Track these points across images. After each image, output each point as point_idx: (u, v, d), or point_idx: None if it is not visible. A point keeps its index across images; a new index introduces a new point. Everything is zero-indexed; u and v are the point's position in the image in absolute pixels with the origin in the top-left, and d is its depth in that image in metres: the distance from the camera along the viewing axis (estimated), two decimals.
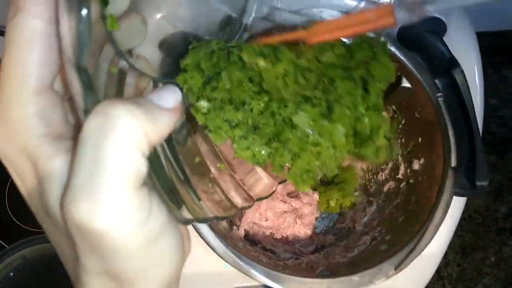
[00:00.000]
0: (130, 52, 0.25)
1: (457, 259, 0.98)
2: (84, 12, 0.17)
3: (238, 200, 0.29)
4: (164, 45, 0.27)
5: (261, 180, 0.31)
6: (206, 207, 0.26)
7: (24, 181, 0.21)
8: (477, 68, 0.62)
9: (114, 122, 0.18)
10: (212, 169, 0.28)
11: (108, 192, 0.17)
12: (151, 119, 0.19)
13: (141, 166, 0.18)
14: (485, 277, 0.97)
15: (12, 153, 0.20)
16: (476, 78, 0.62)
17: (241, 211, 0.30)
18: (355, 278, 0.43)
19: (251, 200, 0.30)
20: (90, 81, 0.18)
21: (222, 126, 0.25)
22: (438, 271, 0.99)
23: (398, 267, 0.43)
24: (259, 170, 0.31)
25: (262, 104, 0.25)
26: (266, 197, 0.31)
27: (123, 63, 0.23)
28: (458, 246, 0.98)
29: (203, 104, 0.25)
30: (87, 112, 0.18)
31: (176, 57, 0.27)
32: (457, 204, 0.58)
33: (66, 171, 0.19)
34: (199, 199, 0.26)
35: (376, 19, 0.29)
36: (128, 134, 0.18)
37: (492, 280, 0.97)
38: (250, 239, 0.61)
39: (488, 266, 0.98)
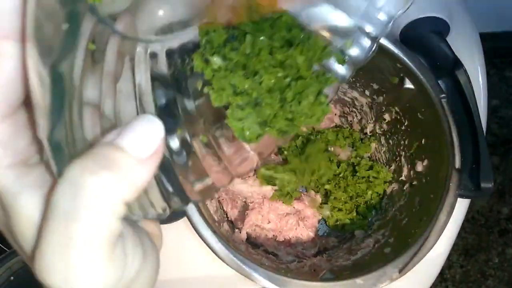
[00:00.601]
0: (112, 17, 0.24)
1: (460, 260, 0.97)
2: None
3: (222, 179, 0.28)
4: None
5: (248, 158, 0.30)
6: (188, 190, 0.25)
7: None
8: (480, 69, 0.62)
9: (85, 193, 0.16)
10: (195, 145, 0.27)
11: (82, 264, 0.17)
12: (127, 181, 0.17)
13: (117, 227, 0.17)
14: (488, 279, 0.96)
15: None
16: (480, 79, 0.62)
17: (218, 190, 0.29)
18: (359, 281, 0.42)
19: (231, 178, 0.29)
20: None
21: (226, 89, 0.24)
22: (441, 273, 0.98)
23: (402, 270, 0.43)
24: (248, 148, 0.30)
25: (273, 80, 0.24)
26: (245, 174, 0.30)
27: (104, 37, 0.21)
28: (461, 247, 0.98)
29: (217, 60, 0.24)
30: (58, 174, 0.17)
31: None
32: (461, 206, 0.58)
33: (33, 212, 0.18)
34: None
35: None
36: (101, 204, 0.17)
37: (495, 282, 0.96)
38: (252, 242, 0.61)
39: (492, 267, 0.97)
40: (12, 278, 0.77)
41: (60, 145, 0.17)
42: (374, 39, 0.24)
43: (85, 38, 0.19)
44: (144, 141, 0.18)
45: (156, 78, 0.26)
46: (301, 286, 0.42)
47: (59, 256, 0.17)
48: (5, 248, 0.76)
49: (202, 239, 0.43)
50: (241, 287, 0.56)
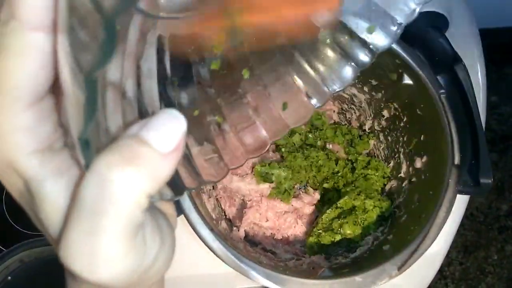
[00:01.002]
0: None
1: (460, 258, 0.97)
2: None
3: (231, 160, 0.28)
4: None
5: (260, 139, 0.30)
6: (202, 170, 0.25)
7: (16, 193, 0.20)
8: (480, 65, 0.62)
9: (112, 188, 0.17)
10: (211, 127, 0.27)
11: (107, 252, 0.18)
12: (151, 175, 0.18)
13: (139, 218, 0.18)
14: (488, 276, 0.96)
15: (1, 167, 0.19)
16: (479, 75, 0.61)
17: (229, 172, 0.29)
18: (358, 279, 0.42)
19: (243, 158, 0.29)
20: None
21: None
22: (440, 270, 0.98)
23: (401, 268, 0.42)
24: (258, 122, 0.30)
25: None
26: (257, 156, 0.31)
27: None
28: (460, 244, 0.98)
29: None
30: (86, 167, 0.18)
31: None
32: (460, 203, 0.57)
33: (58, 198, 0.19)
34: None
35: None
36: (126, 198, 0.17)
37: (495, 279, 0.96)
38: (251, 240, 0.60)
39: (491, 264, 0.97)
40: (9, 278, 0.77)
41: (88, 139, 0.18)
42: (400, 25, 0.24)
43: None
44: (168, 136, 0.19)
45: (174, 55, 0.26)
46: (299, 284, 0.42)
47: (85, 244, 0.18)
48: (2, 248, 0.75)
49: (200, 238, 0.43)
50: (240, 285, 0.56)
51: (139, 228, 0.19)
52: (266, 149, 0.29)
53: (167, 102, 0.25)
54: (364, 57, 0.27)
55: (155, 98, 0.24)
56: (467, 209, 1.00)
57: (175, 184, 0.23)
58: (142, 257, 0.19)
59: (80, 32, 0.16)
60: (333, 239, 0.54)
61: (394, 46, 0.48)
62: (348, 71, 0.29)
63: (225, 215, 0.62)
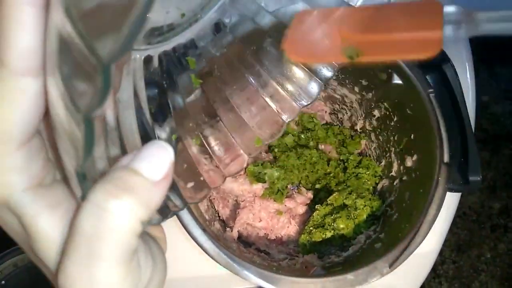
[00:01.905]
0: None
1: (453, 256, 0.98)
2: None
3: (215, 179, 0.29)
4: None
5: (238, 158, 0.31)
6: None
7: (12, 232, 0.21)
8: (468, 65, 0.62)
9: (109, 216, 0.18)
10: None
11: (105, 278, 0.18)
12: (144, 203, 0.19)
13: (134, 243, 0.19)
14: (481, 274, 0.97)
15: None
16: (468, 75, 0.62)
17: (211, 190, 0.30)
18: (350, 276, 0.42)
19: (223, 177, 0.30)
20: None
21: None
22: (434, 269, 0.98)
23: (392, 265, 0.43)
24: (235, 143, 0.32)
25: None
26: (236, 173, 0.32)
27: None
28: (453, 243, 0.98)
29: None
30: (83, 197, 0.19)
31: None
32: (452, 201, 0.58)
33: (53, 232, 0.20)
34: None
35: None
36: (123, 225, 0.18)
37: (488, 277, 0.97)
38: (244, 241, 0.61)
39: (484, 263, 0.98)
40: (3, 282, 0.77)
41: (85, 171, 0.19)
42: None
43: None
44: (158, 165, 0.20)
45: (149, 83, 0.27)
46: (292, 282, 0.42)
47: (84, 271, 0.18)
48: None
49: (192, 238, 0.43)
50: (233, 286, 0.56)
51: (134, 253, 0.20)
52: (244, 166, 0.31)
53: (144, 130, 0.26)
54: (326, 72, 0.29)
55: (134, 127, 0.25)
56: (459, 208, 1.01)
57: (161, 208, 0.24)
58: (137, 281, 0.20)
59: (74, 74, 0.17)
60: (324, 236, 0.55)
61: None
62: (313, 87, 0.30)
63: (219, 216, 0.62)
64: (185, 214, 0.43)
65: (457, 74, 0.47)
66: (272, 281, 0.42)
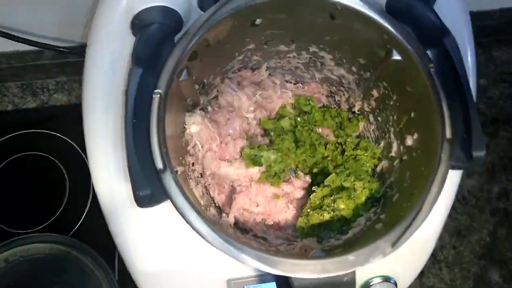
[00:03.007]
0: None
1: (453, 241, 0.97)
2: None
3: None
4: None
5: None
6: None
7: None
8: (470, 47, 0.60)
9: None
10: None
11: None
12: None
13: None
14: (481, 259, 0.96)
15: None
16: (469, 58, 0.60)
17: None
18: (351, 257, 0.41)
19: None
20: None
21: None
22: (434, 254, 0.97)
23: (395, 244, 0.41)
24: None
25: None
26: None
27: None
28: (453, 228, 0.97)
29: None
30: None
31: None
32: (451, 185, 0.56)
33: None
34: None
35: None
36: None
37: (488, 261, 0.96)
38: (241, 227, 0.59)
39: (484, 247, 0.97)
40: None
41: None
42: None
43: None
44: None
45: None
46: (291, 265, 0.40)
47: None
48: None
49: (186, 221, 0.41)
50: (232, 275, 0.54)
51: None
52: None
53: None
54: None
55: None
56: (458, 193, 1.00)
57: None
58: None
59: None
60: (322, 217, 0.53)
61: (381, 21, 0.47)
62: None
63: (214, 203, 0.61)
64: (178, 197, 0.41)
65: (458, 48, 0.46)
66: (271, 264, 0.40)
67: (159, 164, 0.41)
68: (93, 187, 0.86)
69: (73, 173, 0.88)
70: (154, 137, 0.42)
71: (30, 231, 0.82)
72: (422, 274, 0.94)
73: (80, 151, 0.89)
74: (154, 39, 0.44)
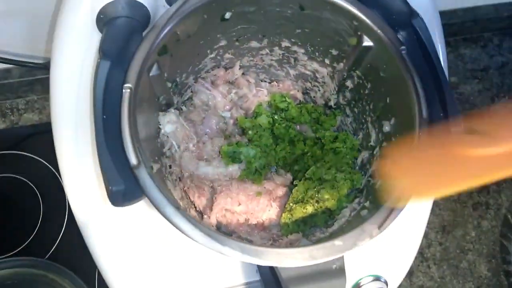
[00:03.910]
0: None
1: (439, 238, 0.96)
2: None
3: None
4: None
5: None
6: None
7: None
8: (441, 46, 0.60)
9: None
10: None
11: None
12: None
13: None
14: (468, 253, 0.96)
15: None
16: (440, 56, 0.60)
17: None
18: (338, 242, 0.39)
19: None
20: None
21: None
22: (421, 252, 0.97)
23: (381, 226, 0.40)
24: None
25: None
26: None
27: None
28: (438, 225, 0.97)
29: None
30: None
31: None
32: None
33: None
34: None
35: None
36: None
37: (475, 255, 0.96)
38: (224, 230, 0.57)
39: (470, 241, 0.97)
40: None
41: None
42: None
43: None
44: None
45: None
46: (277, 254, 0.39)
47: None
48: None
49: (165, 217, 0.39)
50: (220, 282, 0.52)
51: None
52: None
53: None
54: None
55: None
56: None
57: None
58: None
59: None
60: (305, 210, 0.52)
61: (349, 7, 0.48)
62: None
63: (195, 207, 0.59)
64: (154, 192, 0.40)
65: (427, 28, 0.46)
66: (256, 254, 0.38)
67: (133, 159, 0.40)
68: (68, 207, 0.84)
69: (47, 194, 0.85)
70: (126, 132, 0.40)
71: (3, 257, 0.78)
72: (411, 273, 0.93)
73: (54, 170, 0.86)
74: (121, 32, 0.43)
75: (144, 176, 0.40)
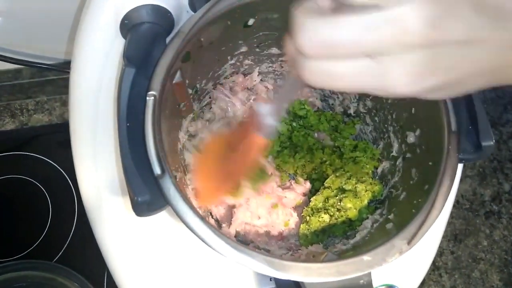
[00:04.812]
0: None
1: (451, 247, 0.95)
2: None
3: None
4: None
5: None
6: None
7: None
8: None
9: None
10: None
11: None
12: None
13: None
14: (480, 263, 0.95)
15: None
16: None
17: None
18: (367, 257, 0.38)
19: None
20: None
21: None
22: (433, 261, 0.96)
23: (411, 241, 0.39)
24: None
25: None
26: None
27: None
28: (450, 233, 0.96)
29: None
30: None
31: None
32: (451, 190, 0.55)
33: None
34: None
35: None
36: None
37: (487, 265, 0.95)
38: (241, 239, 0.56)
39: (482, 251, 0.96)
40: None
41: None
42: None
43: None
44: None
45: None
46: (304, 268, 0.38)
47: None
48: None
49: (189, 228, 0.38)
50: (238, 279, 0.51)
51: None
52: None
53: None
54: None
55: None
56: None
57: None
58: None
59: None
60: (321, 219, 0.51)
61: None
62: None
63: (212, 215, 0.58)
64: (179, 202, 0.39)
65: None
66: (282, 269, 0.37)
67: (157, 169, 0.39)
68: (77, 209, 0.83)
69: (56, 195, 0.84)
70: (150, 141, 0.39)
71: (11, 259, 0.77)
72: (423, 282, 0.91)
73: (63, 172, 0.85)
74: (145, 38, 0.42)
75: (168, 185, 0.39)
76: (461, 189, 1.00)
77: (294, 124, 0.61)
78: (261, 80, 0.61)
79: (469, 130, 0.44)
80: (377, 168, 0.58)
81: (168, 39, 0.45)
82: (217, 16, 0.45)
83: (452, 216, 0.98)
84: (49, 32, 0.72)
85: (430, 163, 0.45)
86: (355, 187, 0.54)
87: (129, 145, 0.38)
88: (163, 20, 0.44)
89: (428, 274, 0.94)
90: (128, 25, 0.43)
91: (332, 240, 0.54)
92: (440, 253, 0.95)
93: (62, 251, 0.80)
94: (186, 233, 0.38)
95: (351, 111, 0.61)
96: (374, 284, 0.53)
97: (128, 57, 0.40)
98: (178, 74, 0.44)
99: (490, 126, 0.43)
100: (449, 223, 0.97)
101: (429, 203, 0.41)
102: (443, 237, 0.96)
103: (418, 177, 0.47)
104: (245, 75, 0.60)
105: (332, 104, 0.64)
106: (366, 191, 0.54)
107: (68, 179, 0.84)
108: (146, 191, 0.37)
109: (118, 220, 0.50)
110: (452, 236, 0.96)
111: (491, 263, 0.96)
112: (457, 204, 0.99)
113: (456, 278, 0.94)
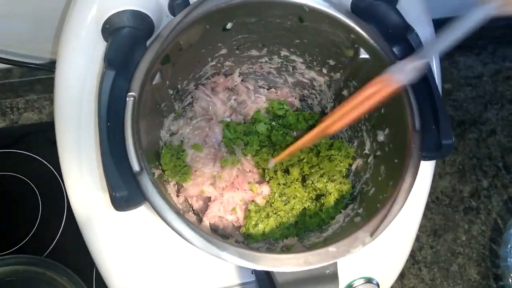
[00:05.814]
0: None
1: (430, 241, 0.98)
2: None
3: None
4: None
5: None
6: None
7: None
8: (434, 56, 0.62)
9: None
10: None
11: None
12: None
13: None
14: (458, 257, 0.98)
15: None
16: (434, 63, 0.62)
17: None
18: (332, 249, 0.41)
19: None
20: None
21: None
22: (412, 255, 0.99)
23: (373, 234, 0.42)
24: None
25: None
26: None
27: None
28: (429, 228, 0.99)
29: None
30: None
31: None
32: (424, 184, 0.58)
33: None
34: None
35: (378, 92, 0.44)
36: None
37: (465, 259, 0.98)
38: (221, 234, 0.59)
39: (460, 245, 0.99)
40: None
41: None
42: None
43: None
44: None
45: None
46: (273, 259, 0.40)
47: None
48: None
49: (166, 222, 0.41)
50: (215, 282, 0.54)
51: None
52: None
53: None
54: None
55: None
56: (432, 193, 1.02)
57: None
58: None
59: None
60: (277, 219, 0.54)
61: (347, 21, 0.49)
62: None
63: (193, 210, 0.60)
64: (156, 198, 0.41)
65: (422, 43, 0.48)
66: (253, 260, 0.40)
67: (136, 166, 0.41)
68: (67, 205, 0.85)
69: (46, 192, 0.85)
70: (130, 140, 0.42)
71: (1, 254, 0.79)
72: (402, 275, 0.95)
73: (53, 169, 0.87)
74: (126, 42, 0.44)
75: (146, 182, 0.41)
76: (440, 185, 1.03)
77: (273, 123, 0.64)
78: (242, 80, 0.64)
79: (432, 129, 0.46)
80: (351, 166, 0.60)
81: (148, 43, 0.47)
82: (196, 21, 0.47)
83: (431, 212, 1.01)
84: (37, 32, 0.74)
85: (396, 161, 0.48)
86: (326, 185, 0.57)
87: (109, 143, 0.40)
88: (143, 24, 0.46)
89: (408, 267, 0.97)
90: (109, 29, 0.45)
91: (307, 234, 0.56)
92: (419, 247, 0.98)
93: (51, 246, 0.81)
94: (167, 228, 0.41)
95: (328, 110, 0.64)
96: (353, 277, 0.56)
97: (109, 60, 0.42)
98: (157, 75, 0.46)
99: (450, 124, 0.45)
100: (428, 219, 1.00)
101: (392, 198, 0.43)
102: (423, 232, 0.99)
103: (386, 174, 0.50)
104: (226, 75, 0.62)
105: (311, 104, 0.67)
106: (334, 190, 0.56)
107: (58, 176, 0.86)
108: (124, 188, 0.39)
109: (103, 217, 0.52)
110: (431, 231, 0.99)
111: (469, 257, 0.99)
112: (436, 200, 1.02)
113: (435, 272, 0.97)
